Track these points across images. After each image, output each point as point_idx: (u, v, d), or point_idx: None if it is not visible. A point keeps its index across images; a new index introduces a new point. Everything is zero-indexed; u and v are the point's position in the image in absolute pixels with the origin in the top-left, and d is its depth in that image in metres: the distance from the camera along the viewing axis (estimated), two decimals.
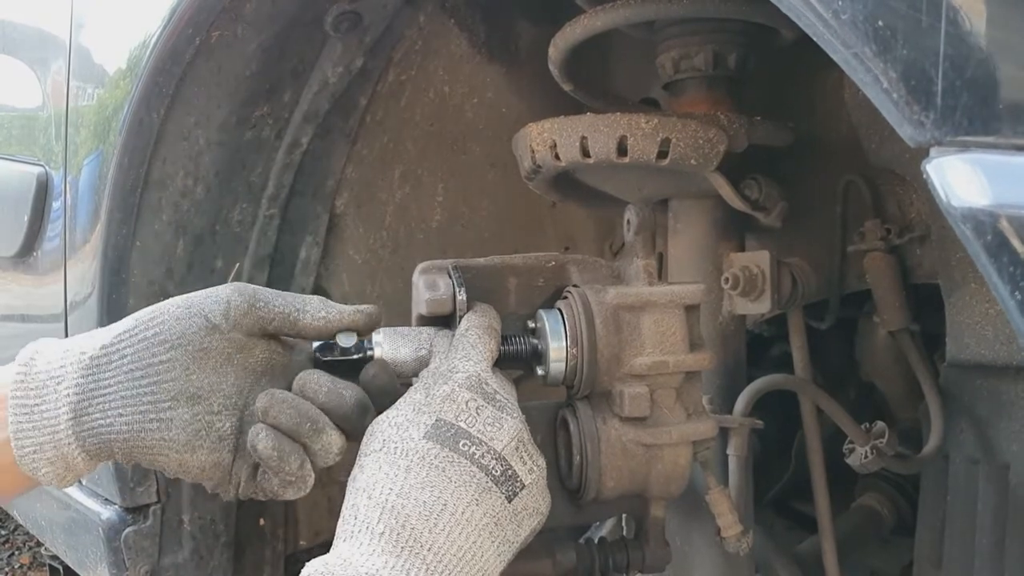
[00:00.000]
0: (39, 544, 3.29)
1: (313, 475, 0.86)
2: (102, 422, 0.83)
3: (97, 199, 1.38)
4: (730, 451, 1.18)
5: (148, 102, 1.25)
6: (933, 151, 0.54)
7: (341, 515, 0.79)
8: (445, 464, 0.78)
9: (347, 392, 0.86)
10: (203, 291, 0.89)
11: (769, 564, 1.34)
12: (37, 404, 0.83)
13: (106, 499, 1.54)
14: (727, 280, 1.19)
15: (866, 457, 1.14)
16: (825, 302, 1.33)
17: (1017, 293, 0.49)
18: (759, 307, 1.19)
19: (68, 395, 0.83)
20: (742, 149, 1.12)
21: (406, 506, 0.76)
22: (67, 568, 2.20)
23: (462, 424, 0.80)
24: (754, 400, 1.19)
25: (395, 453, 0.79)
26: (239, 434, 0.87)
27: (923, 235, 1.21)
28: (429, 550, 0.75)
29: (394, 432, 0.81)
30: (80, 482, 1.64)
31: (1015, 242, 0.49)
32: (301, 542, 1.73)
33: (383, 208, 1.61)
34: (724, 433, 1.19)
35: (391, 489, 0.77)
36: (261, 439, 0.83)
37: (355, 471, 0.81)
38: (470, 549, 0.77)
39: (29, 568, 3.34)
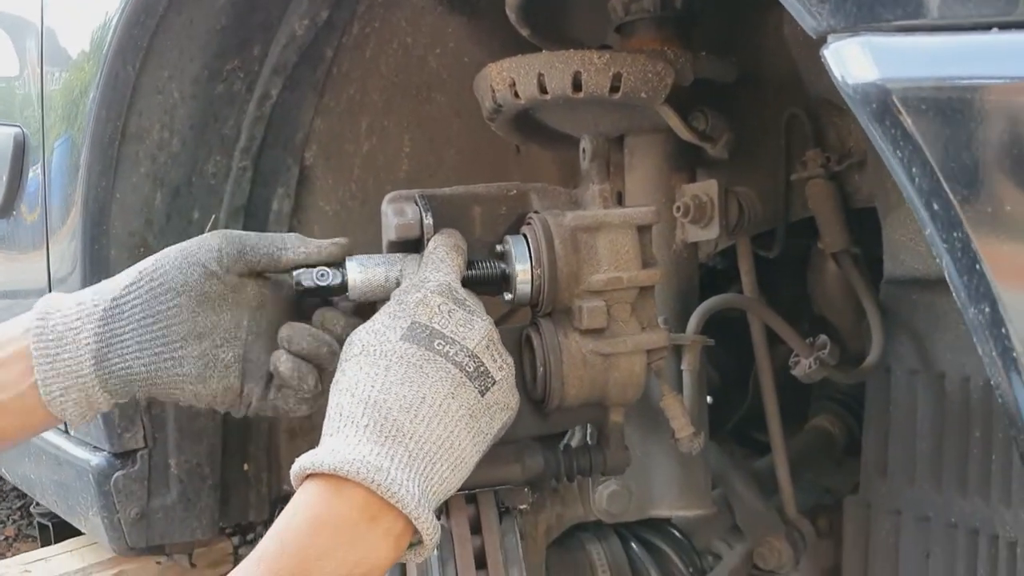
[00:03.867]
0: (23, 516, 3.33)
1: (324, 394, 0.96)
2: (122, 366, 0.93)
3: (76, 153, 1.43)
4: (684, 367, 1.26)
5: (123, 55, 1.30)
6: (830, 38, 0.62)
7: (326, 415, 0.86)
8: (422, 362, 0.85)
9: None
10: (194, 240, 0.99)
11: (726, 478, 1.43)
12: (59, 353, 0.92)
13: (95, 446, 1.60)
14: (679, 209, 1.27)
15: (810, 368, 1.22)
16: (774, 233, 1.41)
17: (898, 152, 0.57)
18: (708, 233, 1.26)
19: (88, 344, 0.92)
20: (689, 82, 1.19)
21: (387, 400, 0.83)
22: (56, 527, 2.26)
23: (436, 325, 0.87)
24: (705, 318, 1.27)
25: (374, 355, 0.86)
26: (243, 361, 0.97)
27: (860, 161, 1.29)
28: (411, 438, 0.82)
29: (372, 337, 0.88)
30: (68, 432, 1.70)
31: (896, 108, 0.57)
32: (285, 486, 1.80)
33: (351, 159, 1.66)
34: (678, 351, 1.27)
35: (373, 386, 0.84)
36: (283, 362, 0.95)
37: (337, 376, 0.88)
38: (448, 438, 0.84)
39: (15, 540, 3.37)
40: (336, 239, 1.01)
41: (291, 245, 0.99)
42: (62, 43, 1.62)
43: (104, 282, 0.97)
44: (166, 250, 0.98)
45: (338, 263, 1.00)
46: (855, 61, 0.60)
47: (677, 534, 1.33)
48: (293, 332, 0.97)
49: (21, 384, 0.92)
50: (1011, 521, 1.15)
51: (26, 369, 0.92)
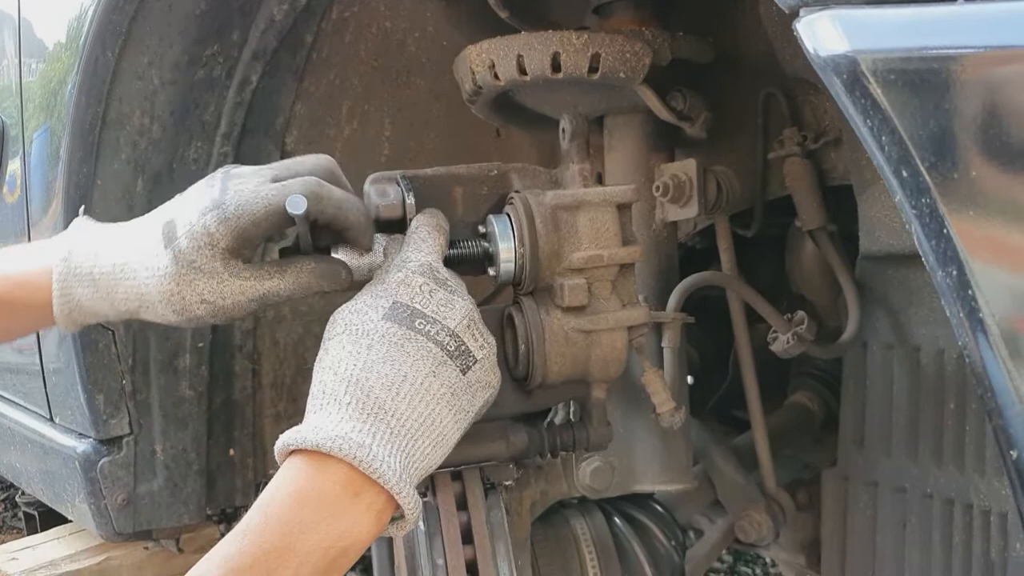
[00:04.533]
0: (8, 508, 3.32)
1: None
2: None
3: (56, 142, 1.43)
4: (664, 344, 1.28)
5: (103, 41, 1.30)
6: (802, 12, 0.63)
7: (310, 393, 0.87)
8: (403, 341, 0.87)
9: None
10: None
11: (707, 453, 1.45)
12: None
13: (80, 433, 1.60)
14: (658, 188, 1.29)
15: (788, 343, 1.24)
16: (752, 211, 1.43)
17: (869, 122, 0.59)
18: (688, 212, 1.28)
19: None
20: (666, 62, 1.20)
21: (369, 379, 0.84)
22: (43, 516, 2.26)
23: (417, 305, 0.89)
24: (685, 296, 1.29)
25: (356, 334, 0.87)
26: None
27: (836, 139, 1.31)
28: (392, 416, 0.84)
29: (354, 317, 0.89)
30: (53, 420, 1.71)
31: (865, 78, 0.59)
32: (270, 471, 1.80)
33: (332, 144, 1.67)
34: (659, 329, 1.29)
35: (355, 365, 0.85)
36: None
37: (320, 355, 0.89)
38: (430, 416, 0.86)
39: None
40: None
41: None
42: (39, 34, 1.62)
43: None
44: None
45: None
46: (826, 34, 0.62)
47: (660, 509, 1.35)
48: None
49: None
50: (985, 490, 1.17)
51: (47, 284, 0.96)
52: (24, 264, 0.99)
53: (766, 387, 1.46)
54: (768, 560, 2.83)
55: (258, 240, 0.93)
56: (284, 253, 1.00)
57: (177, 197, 0.98)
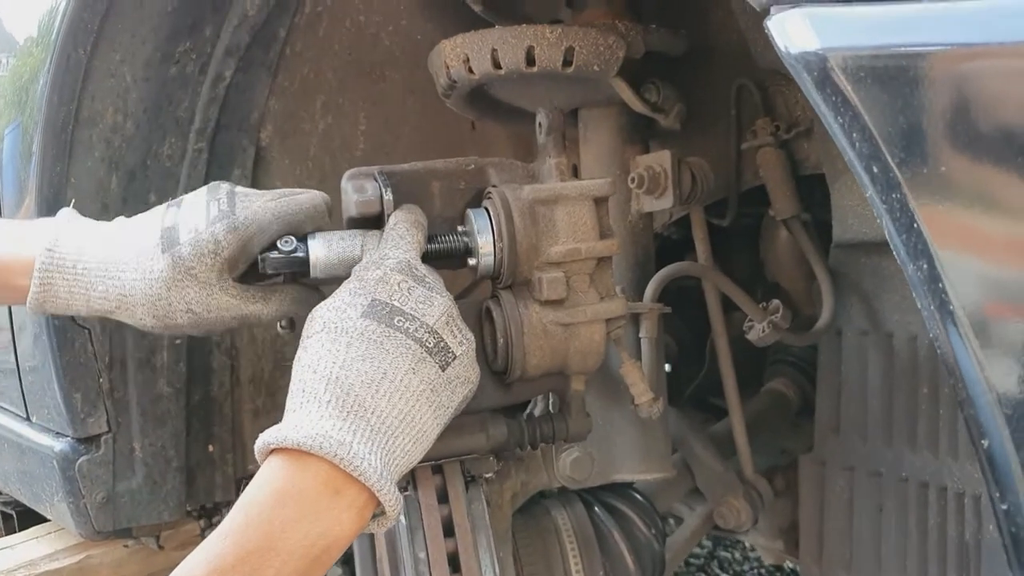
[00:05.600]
0: None
1: None
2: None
3: (27, 140, 1.42)
4: (642, 334, 1.29)
5: (74, 38, 1.29)
6: (773, 9, 0.64)
7: (289, 391, 0.87)
8: (382, 338, 0.87)
9: None
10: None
11: (686, 442, 1.46)
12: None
13: (57, 432, 1.59)
14: (633, 180, 1.29)
15: (764, 332, 1.26)
16: (727, 202, 1.44)
17: (839, 118, 0.60)
18: (663, 203, 1.29)
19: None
20: (640, 55, 1.21)
21: (349, 376, 0.85)
22: (20, 516, 2.24)
23: (396, 303, 0.89)
24: (661, 287, 1.30)
25: (335, 332, 0.87)
26: None
27: (808, 129, 1.32)
28: (372, 413, 0.84)
29: (333, 314, 0.89)
30: (30, 419, 1.69)
31: (836, 75, 0.60)
32: (250, 467, 1.80)
33: (307, 139, 1.66)
34: (637, 319, 1.30)
35: (334, 363, 0.85)
36: None
37: (299, 353, 0.89)
38: (409, 412, 0.86)
39: None
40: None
41: None
42: (8, 28, 1.60)
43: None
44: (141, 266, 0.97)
45: (300, 239, 1.01)
46: (797, 31, 0.63)
47: (639, 498, 1.36)
48: None
49: None
50: (959, 473, 1.19)
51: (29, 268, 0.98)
52: (5, 245, 0.99)
53: (742, 375, 1.48)
54: (747, 544, 2.86)
55: (257, 253, 0.97)
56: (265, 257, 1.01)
57: (172, 205, 1.00)
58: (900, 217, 0.59)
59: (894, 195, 0.59)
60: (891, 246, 0.61)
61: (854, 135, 0.60)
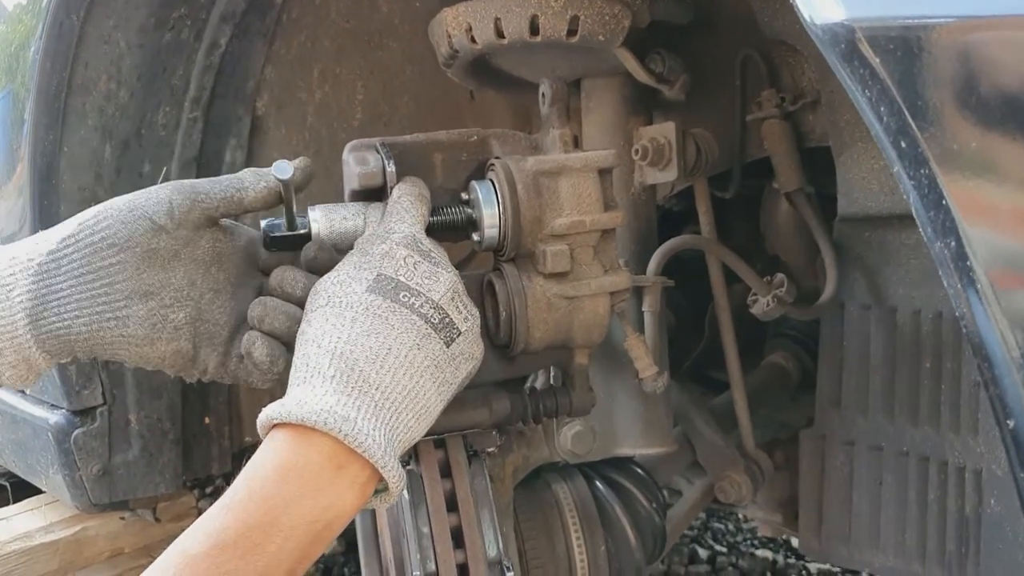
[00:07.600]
0: None
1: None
2: (59, 324, 0.87)
3: (19, 107, 1.40)
4: (645, 308, 1.28)
5: (67, 4, 1.27)
6: None
7: (292, 365, 0.86)
8: (388, 313, 0.85)
9: None
10: (143, 192, 0.92)
11: (686, 415, 1.46)
12: None
13: (53, 404, 1.58)
14: (637, 151, 1.28)
15: (768, 306, 1.25)
16: (730, 174, 1.43)
17: (867, 91, 0.58)
18: (667, 175, 1.27)
19: (22, 302, 0.87)
20: (645, 24, 1.19)
21: (353, 352, 0.83)
22: (14, 487, 2.23)
23: (401, 278, 0.87)
24: (665, 259, 1.29)
25: (340, 306, 0.86)
26: (196, 323, 0.93)
27: (814, 101, 1.30)
28: (377, 389, 0.83)
29: (338, 288, 0.87)
30: (25, 391, 1.68)
31: (863, 47, 0.58)
32: (246, 438, 1.80)
33: (304, 108, 1.64)
34: (639, 292, 1.29)
35: (339, 338, 0.84)
36: (257, 347, 0.91)
37: (303, 327, 0.88)
38: (413, 388, 0.85)
39: None
40: (295, 163, 0.95)
41: (249, 183, 0.94)
42: None
43: (41, 233, 0.90)
44: (112, 200, 0.92)
45: (301, 212, 0.99)
46: (823, 2, 0.61)
47: (640, 472, 1.36)
48: (266, 310, 0.91)
49: None
50: (960, 447, 1.19)
51: None
52: None
53: (743, 346, 1.47)
54: (741, 516, 2.87)
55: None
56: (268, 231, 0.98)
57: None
58: (928, 194, 0.58)
59: (922, 171, 0.58)
60: (918, 223, 0.59)
61: (882, 109, 0.59)
